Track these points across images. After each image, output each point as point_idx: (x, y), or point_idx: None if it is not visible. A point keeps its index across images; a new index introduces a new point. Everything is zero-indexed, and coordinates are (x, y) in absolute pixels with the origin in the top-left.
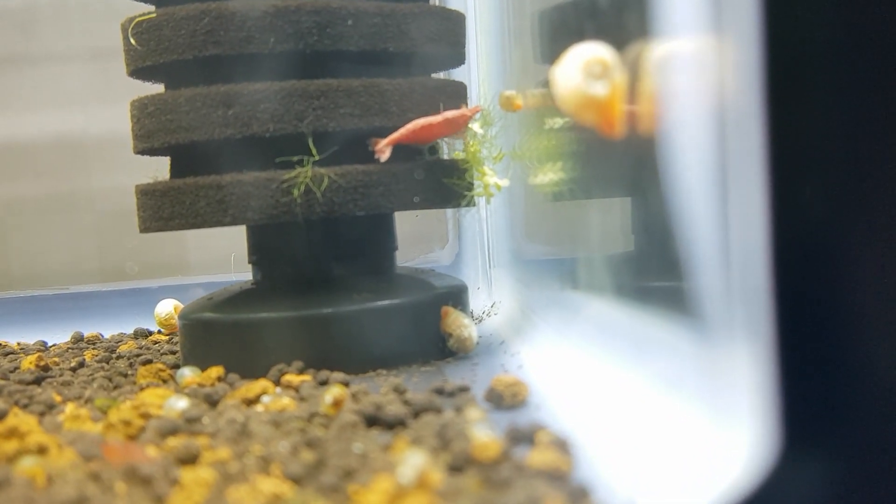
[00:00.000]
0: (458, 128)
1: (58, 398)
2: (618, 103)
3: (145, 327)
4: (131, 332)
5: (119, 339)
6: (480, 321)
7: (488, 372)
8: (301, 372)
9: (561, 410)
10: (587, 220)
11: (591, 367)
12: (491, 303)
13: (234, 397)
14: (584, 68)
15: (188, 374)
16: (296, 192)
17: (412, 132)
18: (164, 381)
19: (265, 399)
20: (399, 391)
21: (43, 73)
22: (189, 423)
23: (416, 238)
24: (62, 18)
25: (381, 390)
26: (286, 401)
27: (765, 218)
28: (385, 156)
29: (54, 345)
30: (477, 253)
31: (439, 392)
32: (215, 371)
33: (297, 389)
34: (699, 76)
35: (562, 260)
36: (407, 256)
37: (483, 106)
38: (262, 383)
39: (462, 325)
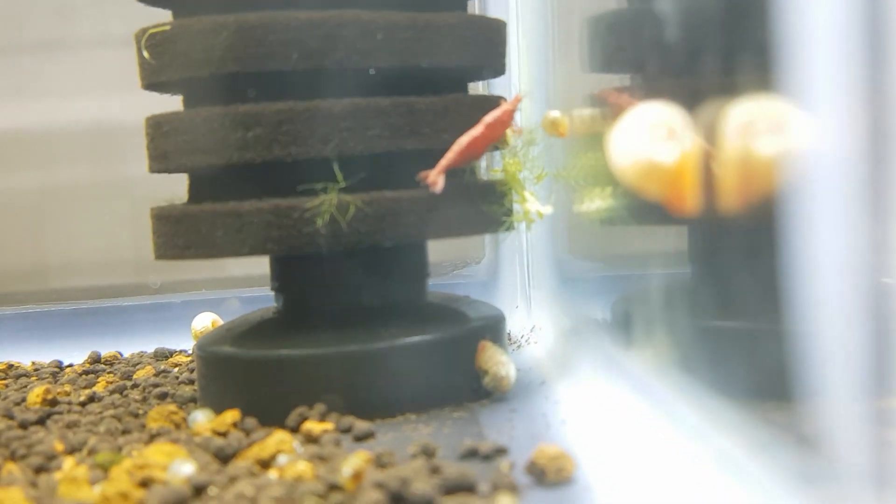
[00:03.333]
0: (504, 128)
1: (59, 447)
2: (689, 173)
3: (166, 346)
4: (152, 350)
5: (137, 362)
6: (519, 347)
7: (527, 424)
8: (323, 417)
9: (613, 494)
10: (637, 237)
11: (648, 435)
12: (530, 326)
13: (248, 457)
14: (647, 132)
15: (201, 418)
16: (319, 222)
17: (460, 154)
18: (177, 426)
19: (281, 460)
20: (428, 453)
21: (82, 58)
22: (194, 495)
23: (450, 253)
24: (99, 4)
25: (408, 449)
26: (302, 466)
27: None
28: (439, 187)
29: (69, 366)
30: (516, 268)
31: (473, 454)
32: (230, 416)
33: (317, 441)
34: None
35: (609, 278)
36: (441, 272)
37: (523, 123)
38: (279, 436)
39: (499, 363)
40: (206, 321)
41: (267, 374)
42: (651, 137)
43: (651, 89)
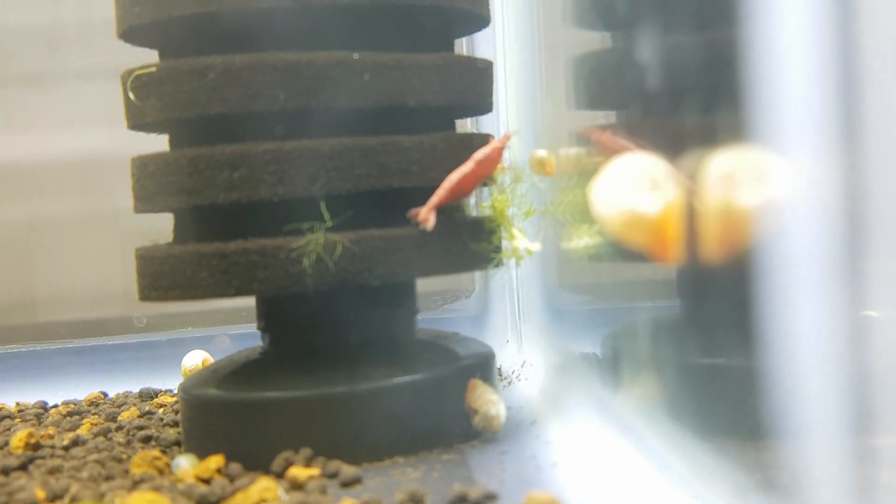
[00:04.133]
0: (493, 165)
1: (40, 494)
2: (672, 224)
3: (151, 386)
4: (138, 391)
5: (122, 402)
6: (510, 383)
7: (518, 466)
8: (309, 462)
9: None
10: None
11: (634, 481)
12: (521, 360)
13: None
14: (629, 182)
15: (184, 464)
16: (306, 262)
17: (451, 191)
18: (160, 472)
19: None
20: (416, 500)
21: (72, 90)
22: None
23: (440, 286)
24: (88, 37)
25: (396, 496)
26: None
27: None
28: (430, 224)
29: (55, 406)
30: (506, 302)
31: (462, 500)
32: (214, 461)
33: (302, 487)
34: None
35: (600, 311)
36: (431, 306)
37: (512, 159)
38: (263, 483)
39: (489, 402)
40: (196, 359)
41: (251, 417)
42: (634, 188)
43: (633, 128)
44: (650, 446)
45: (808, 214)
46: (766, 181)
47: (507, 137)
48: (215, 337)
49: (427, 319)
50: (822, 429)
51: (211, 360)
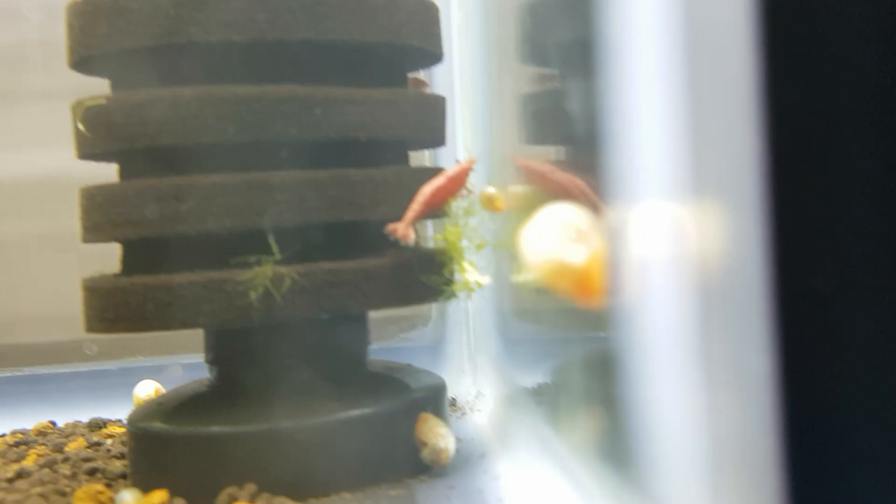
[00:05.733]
0: (461, 183)
1: None
2: (596, 272)
3: (100, 416)
4: (87, 421)
5: (71, 432)
6: (463, 415)
7: (464, 502)
8: (254, 498)
9: None
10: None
11: None
12: (475, 391)
13: None
14: (556, 233)
15: (128, 499)
16: (253, 295)
17: (425, 204)
18: None
19: None
20: None
21: (32, 110)
22: None
23: (396, 315)
24: (50, 56)
25: None
26: None
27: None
28: (411, 238)
29: (2, 435)
30: (462, 331)
31: None
32: (158, 497)
33: None
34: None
35: (553, 341)
36: (386, 336)
37: (470, 186)
38: None
39: (438, 435)
40: (148, 389)
41: (196, 452)
42: (560, 238)
43: (566, 162)
44: (584, 488)
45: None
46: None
47: (473, 161)
48: (168, 366)
49: (383, 349)
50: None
51: (163, 390)
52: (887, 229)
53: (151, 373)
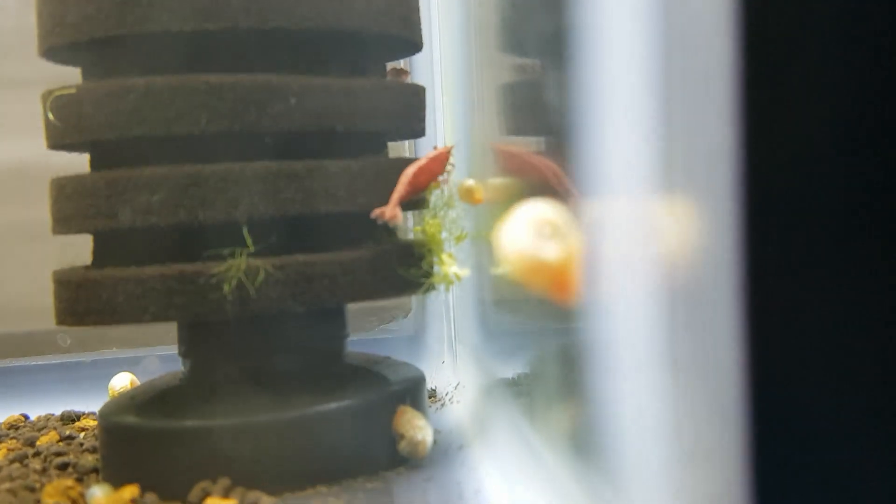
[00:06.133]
0: (442, 166)
1: None
2: (570, 268)
3: (73, 409)
4: (59, 414)
5: (43, 426)
6: (443, 405)
7: (441, 494)
8: (227, 492)
9: None
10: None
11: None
12: (456, 381)
13: None
14: (531, 230)
15: (98, 494)
16: (227, 288)
17: (411, 184)
18: (73, 502)
19: None
20: None
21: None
22: None
23: (376, 306)
24: (26, 45)
25: None
26: None
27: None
28: (399, 218)
29: None
30: (443, 322)
31: None
32: (129, 491)
33: None
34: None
35: (532, 332)
36: (366, 327)
37: (448, 176)
38: None
39: (416, 427)
40: (124, 381)
41: (169, 446)
42: (535, 235)
43: (544, 152)
44: (556, 477)
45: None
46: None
47: (451, 147)
48: (144, 358)
49: (362, 340)
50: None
51: (138, 382)
52: (857, 226)
53: (127, 364)
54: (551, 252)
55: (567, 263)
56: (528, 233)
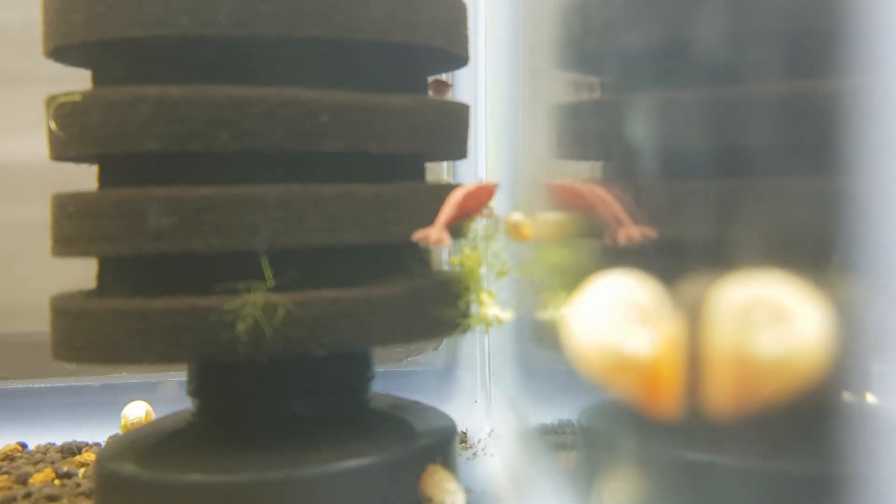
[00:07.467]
0: (489, 196)
1: None
2: (668, 365)
3: (75, 440)
4: (60, 444)
5: (40, 459)
6: (475, 455)
7: None
8: None
9: None
10: None
11: None
12: (489, 426)
13: None
14: (614, 313)
15: None
16: (240, 327)
17: (459, 207)
18: None
19: None
20: None
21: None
22: None
23: None
24: (29, 43)
25: None
26: None
27: None
28: (447, 242)
29: None
30: (476, 357)
31: None
32: None
33: None
34: None
35: (572, 372)
36: (394, 359)
37: (492, 211)
38: None
39: (445, 491)
40: (139, 411)
41: (171, 501)
42: (619, 320)
43: (609, 183)
44: None
45: None
46: (792, 322)
47: (495, 184)
48: (160, 383)
49: (389, 373)
50: None
51: (153, 414)
52: None
53: (140, 390)
54: (642, 344)
55: (661, 360)
56: (610, 318)
